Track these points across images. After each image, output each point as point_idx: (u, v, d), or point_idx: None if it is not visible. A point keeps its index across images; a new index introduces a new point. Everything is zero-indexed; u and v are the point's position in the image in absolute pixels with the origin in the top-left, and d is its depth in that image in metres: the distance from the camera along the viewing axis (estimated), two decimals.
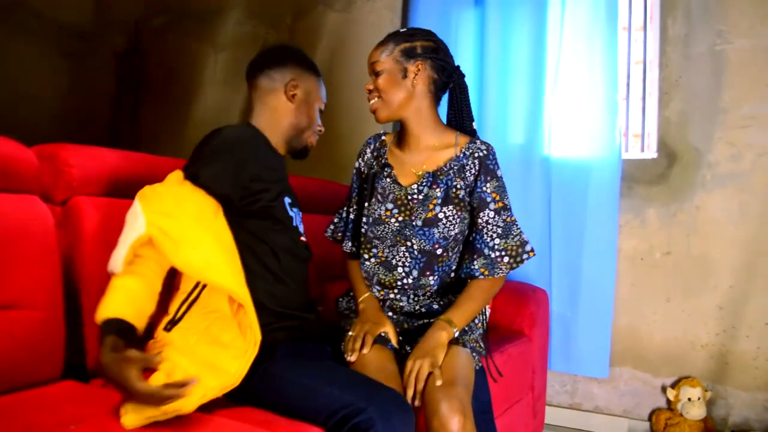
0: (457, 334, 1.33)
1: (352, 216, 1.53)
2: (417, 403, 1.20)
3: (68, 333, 1.17)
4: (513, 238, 1.40)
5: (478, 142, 1.44)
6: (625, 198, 2.28)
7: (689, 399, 2.11)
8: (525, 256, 1.40)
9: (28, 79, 2.97)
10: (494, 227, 1.39)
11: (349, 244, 1.53)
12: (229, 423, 0.96)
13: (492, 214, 1.39)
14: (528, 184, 2.28)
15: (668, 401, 2.20)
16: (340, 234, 1.59)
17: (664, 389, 2.24)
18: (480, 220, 1.40)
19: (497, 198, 1.40)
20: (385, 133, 1.57)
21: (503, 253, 1.39)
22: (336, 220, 1.62)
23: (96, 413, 0.97)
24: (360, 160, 1.55)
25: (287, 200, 1.34)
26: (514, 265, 1.40)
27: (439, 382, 1.19)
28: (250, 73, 1.42)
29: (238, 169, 1.21)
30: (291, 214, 1.34)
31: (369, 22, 2.74)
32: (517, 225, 1.42)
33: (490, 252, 1.39)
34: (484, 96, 2.37)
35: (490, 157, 1.42)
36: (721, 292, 2.16)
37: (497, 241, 1.39)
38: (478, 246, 1.41)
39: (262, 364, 1.16)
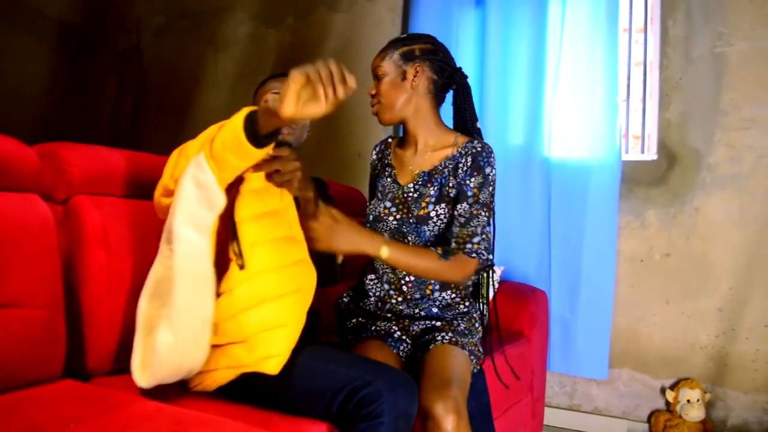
0: (385, 254, 1.25)
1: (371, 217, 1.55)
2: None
3: (68, 332, 1.17)
4: (467, 229, 1.34)
5: (475, 141, 1.43)
6: (624, 199, 2.28)
7: (688, 401, 2.11)
8: (469, 247, 1.32)
9: (29, 78, 2.98)
10: (460, 218, 1.36)
11: None
12: (229, 423, 0.96)
13: (466, 206, 1.36)
14: (528, 185, 2.28)
15: (667, 403, 2.20)
16: None
17: (663, 391, 2.24)
18: (456, 212, 1.37)
19: (477, 193, 1.37)
20: (392, 137, 1.60)
21: (454, 240, 1.34)
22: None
23: (96, 412, 0.97)
24: (370, 164, 1.59)
25: None
26: (456, 252, 1.32)
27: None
28: None
29: None
30: None
31: (370, 22, 2.74)
32: (480, 221, 1.35)
33: (451, 240, 1.35)
34: (484, 97, 2.37)
35: (484, 154, 1.39)
36: (721, 294, 2.16)
37: (455, 230, 1.35)
38: (447, 236, 1.37)
39: None
